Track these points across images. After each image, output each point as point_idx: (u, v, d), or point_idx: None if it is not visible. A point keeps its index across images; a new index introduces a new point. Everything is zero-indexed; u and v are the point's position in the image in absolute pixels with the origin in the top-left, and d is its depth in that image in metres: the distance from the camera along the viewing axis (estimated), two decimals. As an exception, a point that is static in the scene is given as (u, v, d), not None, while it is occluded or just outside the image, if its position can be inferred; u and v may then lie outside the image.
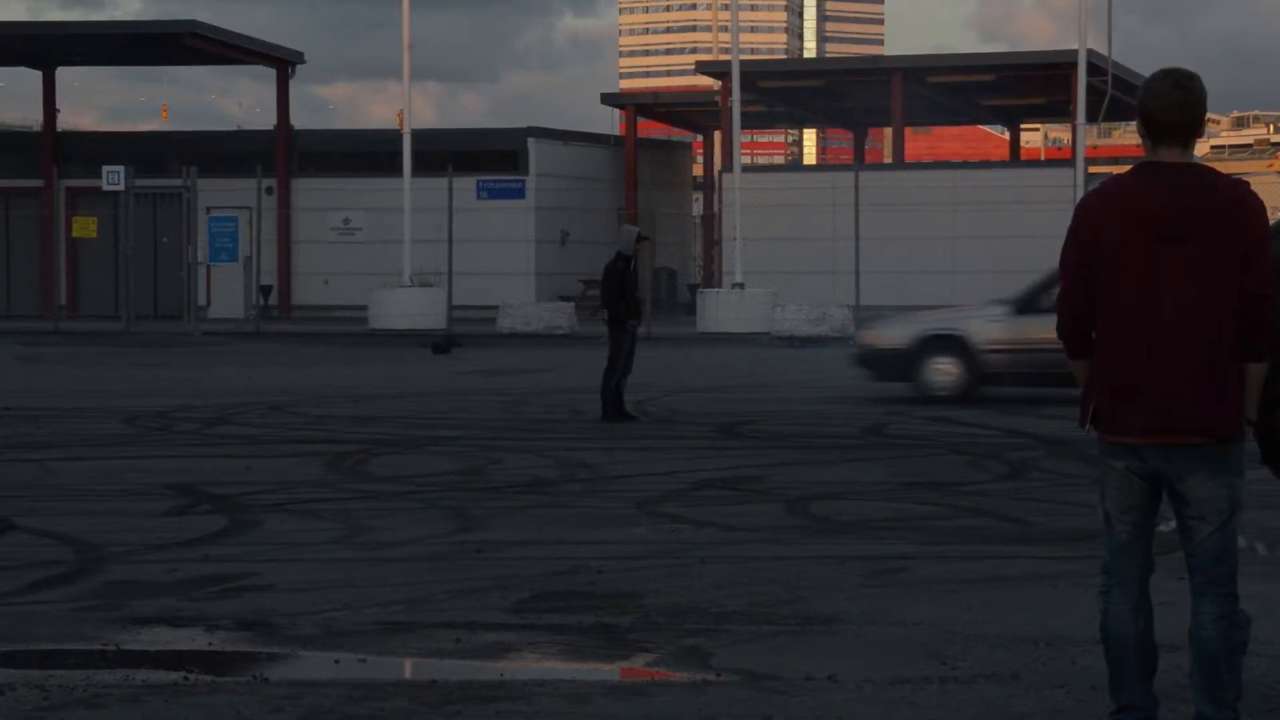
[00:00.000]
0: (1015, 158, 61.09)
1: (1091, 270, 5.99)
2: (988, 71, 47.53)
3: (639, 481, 14.47)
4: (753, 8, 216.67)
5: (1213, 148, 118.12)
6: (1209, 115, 6.10)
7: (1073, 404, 6.33)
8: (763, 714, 6.97)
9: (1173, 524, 6.20)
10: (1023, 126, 63.80)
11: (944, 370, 21.80)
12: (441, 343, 33.87)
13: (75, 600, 9.50)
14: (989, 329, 21.73)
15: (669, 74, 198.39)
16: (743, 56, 41.99)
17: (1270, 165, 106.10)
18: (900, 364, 21.97)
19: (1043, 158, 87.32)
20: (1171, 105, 5.91)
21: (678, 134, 63.06)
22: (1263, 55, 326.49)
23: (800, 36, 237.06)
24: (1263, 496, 12.11)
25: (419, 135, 41.00)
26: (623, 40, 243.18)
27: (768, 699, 7.19)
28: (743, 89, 40.35)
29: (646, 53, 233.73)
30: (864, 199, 37.57)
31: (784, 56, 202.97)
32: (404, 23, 39.82)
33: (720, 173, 46.58)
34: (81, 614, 9.09)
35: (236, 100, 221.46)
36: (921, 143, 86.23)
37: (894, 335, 22.55)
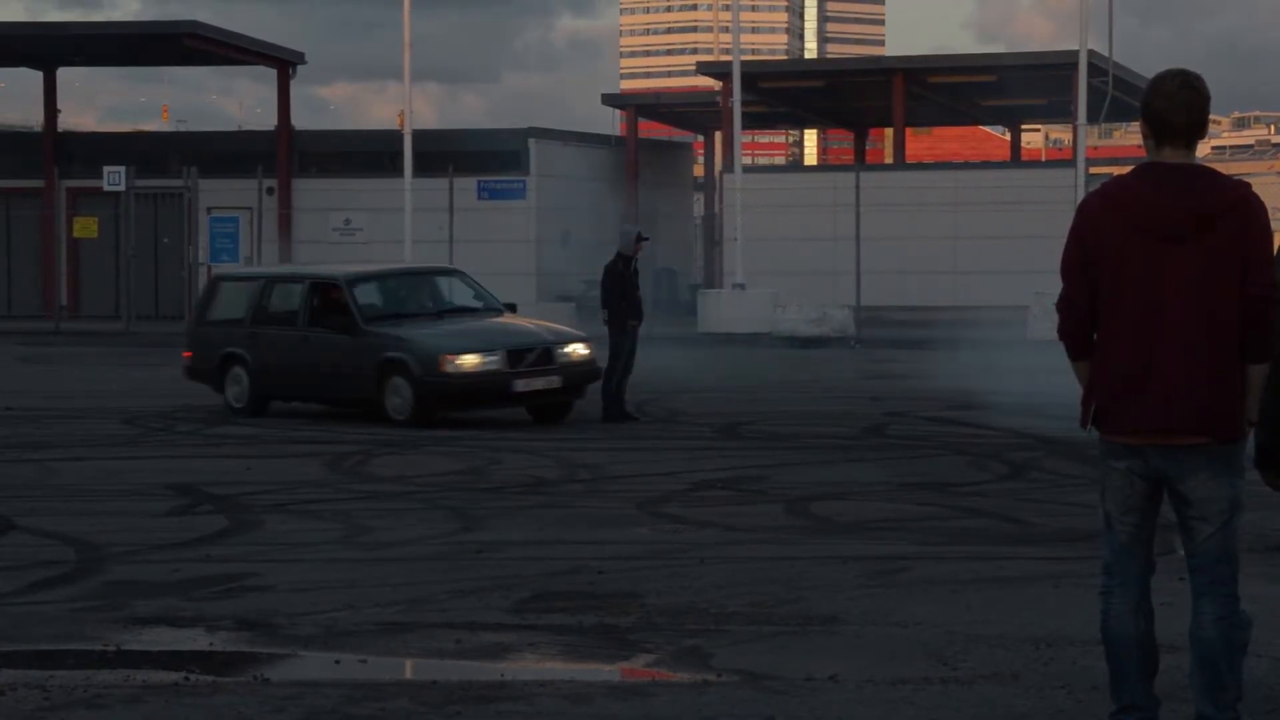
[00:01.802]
0: (1016, 158, 61.08)
1: (1093, 271, 5.99)
2: (989, 72, 47.49)
3: (640, 482, 14.48)
4: (754, 8, 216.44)
5: (1213, 148, 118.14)
6: (1210, 116, 6.10)
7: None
8: (764, 714, 6.97)
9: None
10: (1023, 127, 63.79)
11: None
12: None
13: (76, 600, 9.51)
14: None
15: (670, 74, 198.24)
16: (744, 57, 41.96)
17: (1272, 166, 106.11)
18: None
19: (1044, 158, 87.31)
20: (1180, 106, 5.91)
21: (679, 134, 63.04)
22: (1263, 55, 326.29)
23: (801, 37, 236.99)
24: (1263, 496, 12.11)
25: (420, 136, 40.98)
26: (623, 41, 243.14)
27: (768, 699, 7.19)
28: (744, 89, 40.32)
29: (647, 53, 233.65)
30: (865, 199, 37.56)
31: (785, 57, 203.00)
32: (404, 23, 39.80)
33: (721, 173, 46.56)
34: (82, 614, 9.10)
35: (237, 100, 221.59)
36: (922, 143, 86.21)
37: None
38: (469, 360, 18.82)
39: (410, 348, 18.94)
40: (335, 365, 19.45)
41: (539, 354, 19.15)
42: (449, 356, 18.75)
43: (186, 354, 21.37)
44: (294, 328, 20.04)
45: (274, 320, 20.44)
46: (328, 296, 20.06)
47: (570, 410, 19.53)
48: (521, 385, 18.92)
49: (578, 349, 19.53)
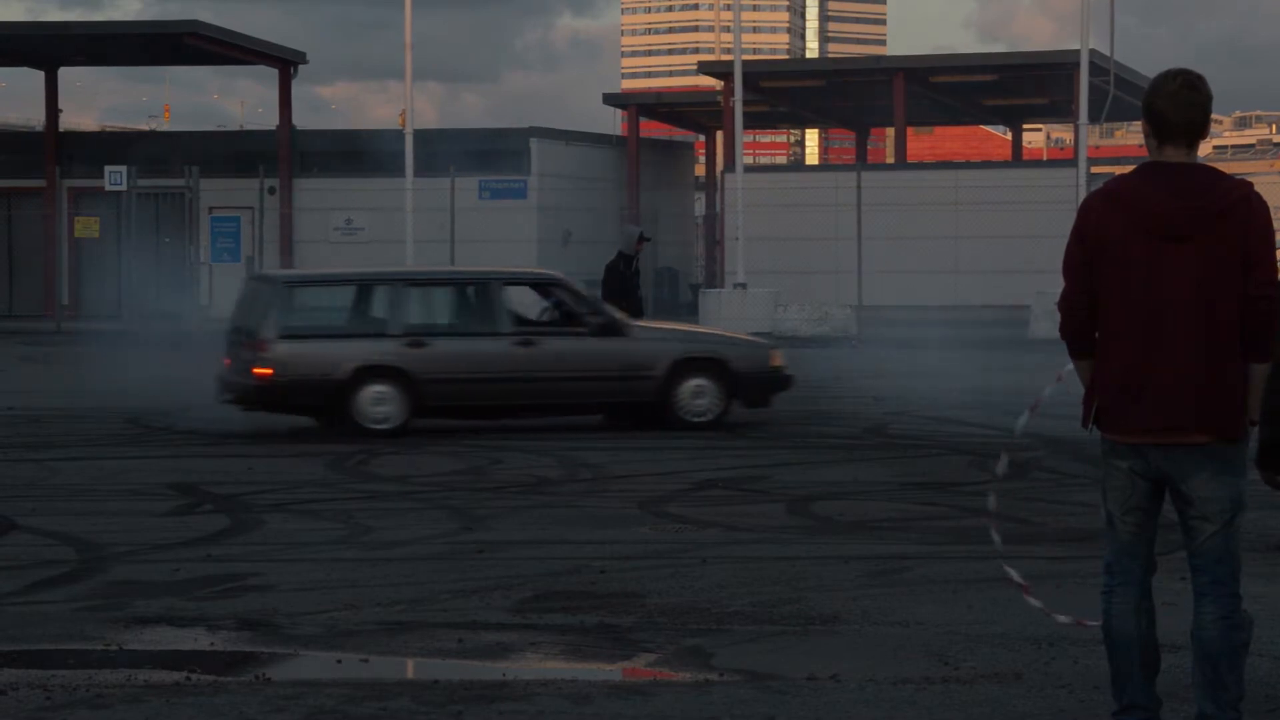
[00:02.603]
0: (1017, 158, 61.09)
1: (1095, 270, 5.99)
2: (990, 71, 47.55)
3: (641, 481, 14.48)
4: (755, 8, 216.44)
5: (1215, 148, 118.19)
6: (1212, 115, 6.10)
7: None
8: (765, 714, 6.97)
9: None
10: (1025, 126, 63.81)
11: None
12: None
13: (77, 600, 9.51)
14: None
15: (671, 74, 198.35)
16: (745, 56, 41.94)
17: (1273, 165, 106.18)
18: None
19: (1045, 158, 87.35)
20: (1181, 105, 5.92)
21: (680, 134, 63.06)
22: (1264, 55, 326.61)
23: (802, 36, 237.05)
24: (1264, 496, 12.10)
25: (421, 135, 40.98)
26: (625, 40, 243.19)
27: (770, 699, 7.19)
28: (745, 89, 40.33)
29: (649, 53, 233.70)
30: (866, 199, 37.57)
31: (786, 56, 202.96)
32: (405, 23, 39.82)
33: (722, 173, 46.58)
34: (84, 614, 9.10)
35: (238, 100, 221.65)
36: (924, 143, 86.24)
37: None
38: (779, 356, 19.22)
39: (730, 347, 19.03)
40: (594, 369, 18.30)
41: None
42: (775, 353, 19.26)
43: (265, 372, 17.88)
44: (497, 334, 18.29)
45: (439, 326, 18.80)
46: (545, 297, 19.14)
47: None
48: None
49: None
